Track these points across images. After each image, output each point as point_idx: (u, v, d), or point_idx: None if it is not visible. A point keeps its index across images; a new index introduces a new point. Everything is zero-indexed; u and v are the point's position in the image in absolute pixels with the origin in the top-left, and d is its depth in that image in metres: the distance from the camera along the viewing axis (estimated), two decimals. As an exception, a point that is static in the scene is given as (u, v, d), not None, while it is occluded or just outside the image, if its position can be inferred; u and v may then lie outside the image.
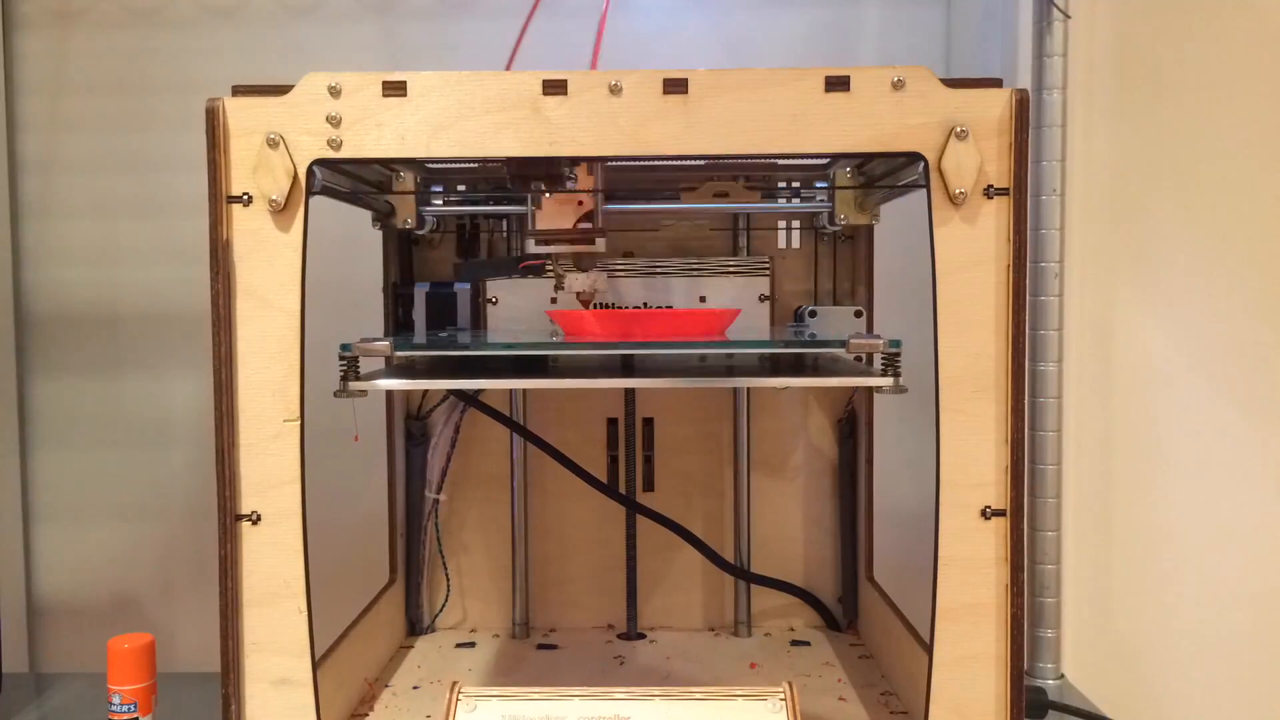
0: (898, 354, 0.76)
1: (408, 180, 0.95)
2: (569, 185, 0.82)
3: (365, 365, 0.78)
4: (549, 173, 0.79)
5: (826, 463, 1.08)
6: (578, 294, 0.87)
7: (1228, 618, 1.09)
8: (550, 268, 0.89)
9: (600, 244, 0.84)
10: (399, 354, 0.78)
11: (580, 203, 0.83)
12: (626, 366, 0.85)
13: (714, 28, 1.21)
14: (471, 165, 0.99)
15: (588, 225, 0.83)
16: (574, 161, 0.80)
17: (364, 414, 0.83)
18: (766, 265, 1.03)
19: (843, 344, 0.76)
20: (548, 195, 0.82)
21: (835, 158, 0.94)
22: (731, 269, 1.03)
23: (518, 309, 1.02)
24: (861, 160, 0.93)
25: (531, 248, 0.85)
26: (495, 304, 1.03)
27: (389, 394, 1.03)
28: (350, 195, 0.91)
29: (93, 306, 1.23)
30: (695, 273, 1.02)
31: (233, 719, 0.72)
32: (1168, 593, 1.12)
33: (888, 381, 0.76)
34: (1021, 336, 0.71)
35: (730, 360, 0.90)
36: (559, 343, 0.84)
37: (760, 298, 1.03)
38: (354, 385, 0.76)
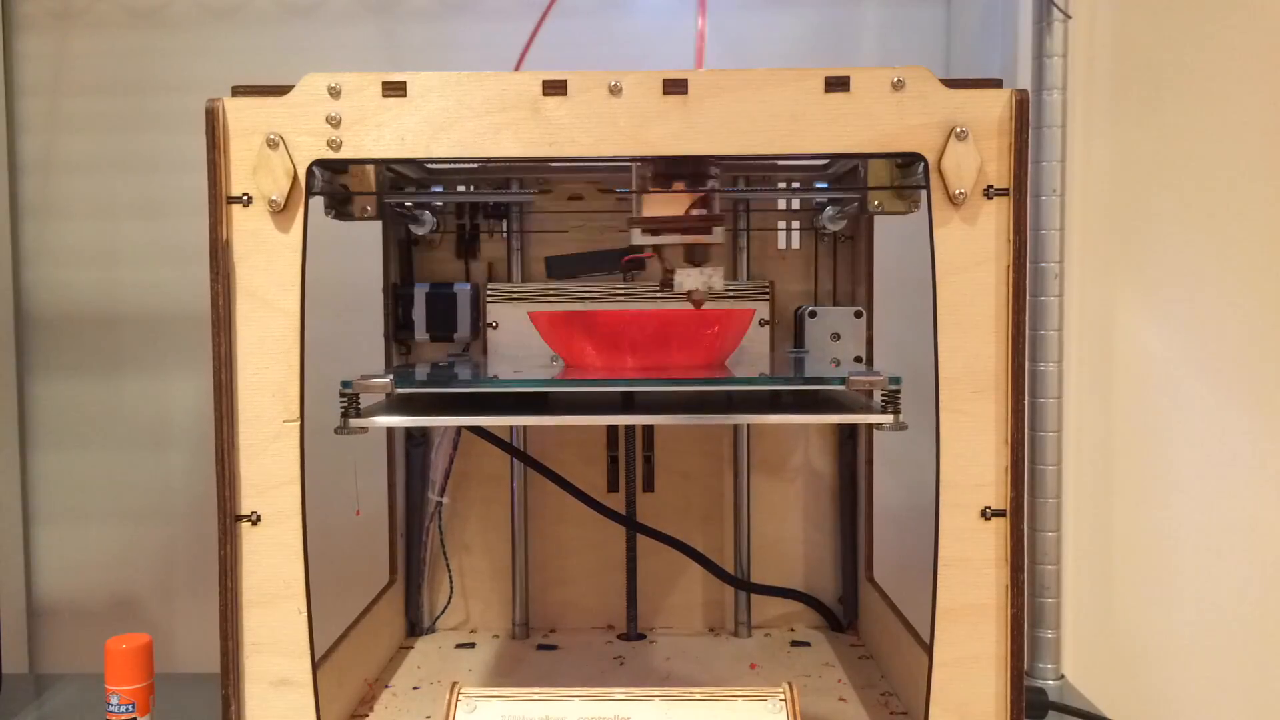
0: (898, 390, 0.74)
1: (368, 177, 0.91)
2: (711, 184, 0.75)
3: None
4: (695, 171, 0.73)
5: (826, 463, 1.08)
6: (688, 293, 0.78)
7: (1228, 618, 1.09)
8: (664, 265, 0.79)
9: (717, 234, 0.77)
10: (400, 390, 0.76)
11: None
12: (627, 397, 0.83)
13: (714, 28, 1.21)
14: (471, 165, 0.99)
15: (703, 212, 0.75)
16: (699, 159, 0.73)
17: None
18: (766, 289, 1.03)
19: (842, 381, 0.74)
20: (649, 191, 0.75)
21: (835, 158, 0.93)
22: (731, 294, 1.03)
23: (518, 333, 1.02)
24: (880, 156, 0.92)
25: (636, 238, 0.77)
26: (495, 328, 1.03)
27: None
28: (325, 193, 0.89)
29: (93, 306, 1.23)
30: None
31: (232, 719, 0.72)
32: (1168, 593, 1.12)
33: (888, 418, 0.74)
34: (1021, 337, 0.71)
35: (731, 389, 0.89)
36: (559, 380, 0.81)
37: (760, 322, 1.03)
38: (355, 422, 0.74)
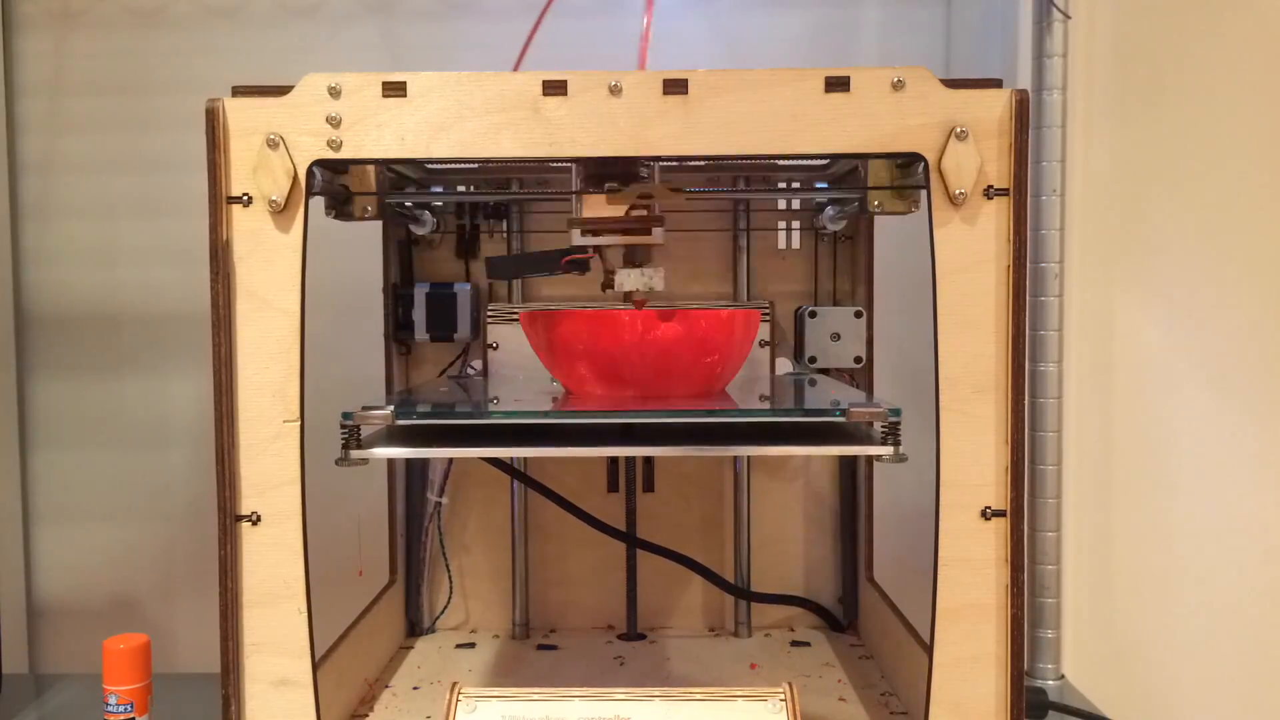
0: (898, 422, 0.73)
1: (367, 177, 0.90)
2: (645, 183, 0.75)
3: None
4: (625, 171, 0.73)
5: (826, 463, 1.08)
6: (628, 294, 0.79)
7: (1228, 618, 1.09)
8: (605, 266, 0.79)
9: (658, 235, 0.77)
10: (400, 422, 0.74)
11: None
12: (627, 425, 0.80)
13: (714, 28, 1.21)
14: (471, 165, 0.99)
15: (643, 213, 0.75)
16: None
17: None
18: (767, 309, 1.03)
19: (842, 413, 0.73)
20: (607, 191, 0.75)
21: (835, 158, 0.93)
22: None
23: (519, 354, 1.02)
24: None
25: (577, 239, 0.77)
26: (496, 349, 1.03)
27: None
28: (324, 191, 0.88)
29: (93, 306, 1.23)
30: None
31: (232, 719, 0.72)
32: (1168, 593, 1.12)
33: (888, 450, 0.73)
34: (1021, 337, 0.71)
35: (731, 421, 0.87)
36: (558, 411, 0.80)
37: (760, 343, 1.03)
38: (355, 454, 0.73)
